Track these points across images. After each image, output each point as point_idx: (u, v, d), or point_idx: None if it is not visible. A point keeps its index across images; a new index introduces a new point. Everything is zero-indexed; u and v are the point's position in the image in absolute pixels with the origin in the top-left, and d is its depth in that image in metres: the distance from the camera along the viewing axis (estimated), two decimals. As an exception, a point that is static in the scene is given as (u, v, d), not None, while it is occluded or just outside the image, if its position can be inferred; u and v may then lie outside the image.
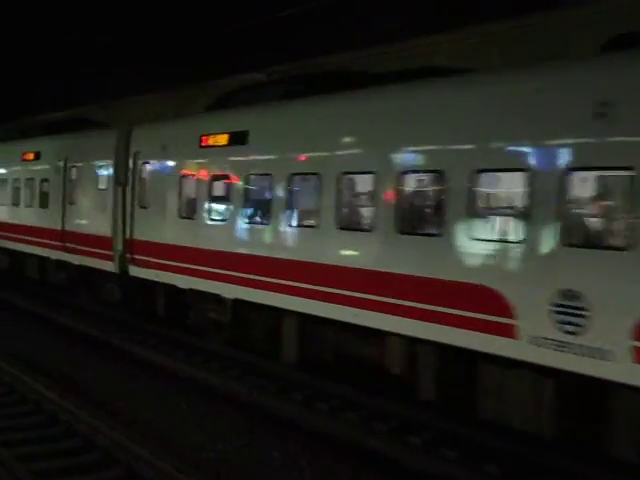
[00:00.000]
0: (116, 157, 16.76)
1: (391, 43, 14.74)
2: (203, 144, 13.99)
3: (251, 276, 12.50)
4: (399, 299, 9.87)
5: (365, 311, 10.37)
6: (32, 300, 20.29)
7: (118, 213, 16.63)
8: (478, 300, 8.91)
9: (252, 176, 12.78)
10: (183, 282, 14.35)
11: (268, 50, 17.71)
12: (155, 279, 15.35)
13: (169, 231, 14.95)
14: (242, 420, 10.57)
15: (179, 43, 19.62)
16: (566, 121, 8.18)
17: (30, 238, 20.97)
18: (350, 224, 10.95)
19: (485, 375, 9.22)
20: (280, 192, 11.98)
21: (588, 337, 7.77)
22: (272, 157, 12.40)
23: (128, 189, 16.33)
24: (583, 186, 8.19)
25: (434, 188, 9.79)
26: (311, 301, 11.27)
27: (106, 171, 17.28)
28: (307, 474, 8.79)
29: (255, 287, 12.41)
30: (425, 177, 10.03)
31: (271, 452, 9.37)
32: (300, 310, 11.60)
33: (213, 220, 13.67)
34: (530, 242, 8.42)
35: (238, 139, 13.06)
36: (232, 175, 13.14)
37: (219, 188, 13.69)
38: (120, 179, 16.55)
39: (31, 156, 21.51)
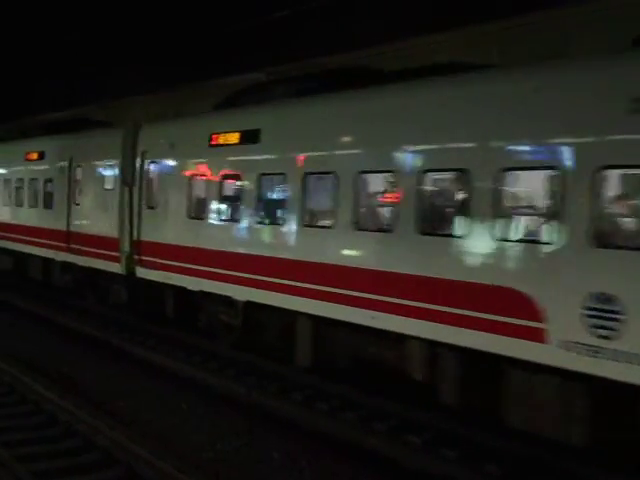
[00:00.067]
0: (123, 156, 16.52)
1: (391, 43, 14.72)
2: (213, 143, 13.73)
3: (263, 278, 12.24)
4: (420, 302, 9.60)
5: (384, 314, 10.09)
6: (31, 300, 20.24)
7: (125, 214, 16.41)
8: (505, 303, 8.60)
9: (264, 175, 12.48)
10: (193, 284, 14.11)
11: (268, 50, 17.70)
12: (163, 281, 15.08)
13: (178, 232, 14.68)
14: (241, 420, 10.56)
15: (179, 43, 19.63)
16: (598, 118, 7.89)
17: (34, 239, 20.74)
18: (368, 225, 10.67)
19: (511, 381, 8.87)
20: (294, 192, 11.69)
21: (623, 342, 7.49)
22: (285, 156, 12.10)
23: (135, 189, 16.11)
24: (616, 184, 7.96)
25: (457, 187, 9.49)
26: (326, 303, 10.99)
27: (112, 171, 17.04)
28: (307, 474, 8.78)
29: (268, 289, 12.15)
30: (448, 176, 9.75)
31: (271, 452, 9.36)
32: (315, 313, 11.32)
33: (224, 220, 13.42)
34: (561, 243, 8.12)
35: (249, 138, 12.81)
36: (243, 174, 12.88)
37: (230, 188, 13.46)
38: (127, 179, 16.33)
39: (35, 156, 21.27)
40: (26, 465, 8.31)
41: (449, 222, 9.48)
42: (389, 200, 10.34)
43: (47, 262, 20.27)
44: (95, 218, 17.80)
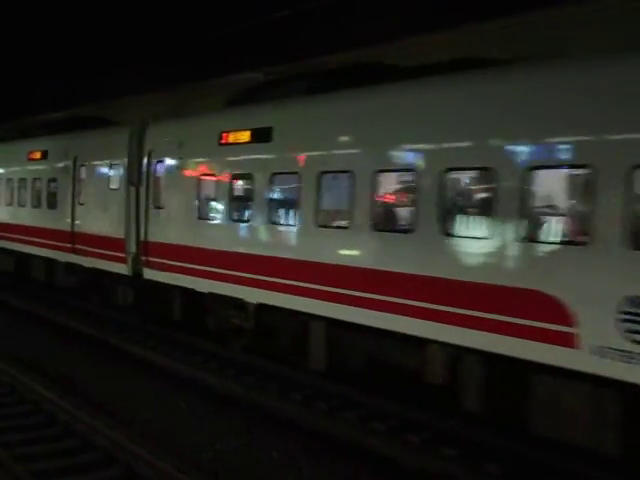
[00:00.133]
0: (129, 156, 16.30)
1: (390, 42, 14.71)
2: (223, 141, 13.45)
3: (276, 280, 11.97)
4: (442, 305, 9.31)
5: (404, 317, 9.81)
6: (30, 301, 20.22)
7: (131, 214, 16.16)
8: (533, 307, 8.31)
9: (277, 175, 12.20)
10: (202, 285, 13.81)
11: (266, 50, 17.69)
12: (171, 282, 14.77)
13: (187, 232, 14.37)
14: (241, 420, 10.56)
15: (179, 43, 19.62)
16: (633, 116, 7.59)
17: (37, 240, 20.47)
18: (386, 225, 10.39)
19: (538, 387, 8.54)
20: (308, 191, 11.40)
21: None
22: (299, 154, 11.80)
23: (142, 189, 15.82)
24: None
25: (482, 187, 9.22)
26: (342, 306, 10.72)
27: (118, 170, 16.78)
28: (306, 474, 8.77)
29: (281, 291, 11.87)
30: (472, 175, 9.49)
31: (270, 452, 9.36)
32: (330, 316, 11.05)
33: (234, 221, 13.17)
34: (594, 245, 7.80)
35: (261, 136, 12.53)
36: (255, 174, 12.61)
37: (241, 187, 13.23)
38: (133, 179, 16.06)
39: (38, 155, 21.00)
40: (25, 465, 8.30)
41: (473, 223, 9.21)
42: (409, 200, 10.10)
43: (50, 263, 20.02)
44: (100, 218, 17.50)
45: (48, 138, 21.07)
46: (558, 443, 8.55)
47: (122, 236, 16.39)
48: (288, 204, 12.09)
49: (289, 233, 11.93)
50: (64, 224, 18.95)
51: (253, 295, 12.57)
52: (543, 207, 8.60)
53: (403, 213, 10.37)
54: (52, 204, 19.91)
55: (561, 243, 8.29)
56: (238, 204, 13.18)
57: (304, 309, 11.47)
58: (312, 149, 11.59)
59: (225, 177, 13.35)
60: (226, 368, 13.02)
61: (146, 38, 20.14)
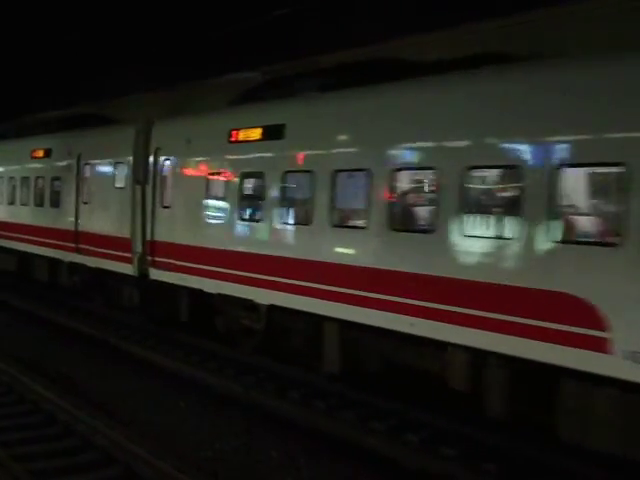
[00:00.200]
0: (135, 154, 16.07)
1: (387, 41, 14.69)
2: (233, 139, 13.18)
3: (289, 281, 11.68)
4: (465, 308, 9.02)
5: (424, 320, 9.53)
6: (31, 300, 20.19)
7: (137, 213, 15.91)
8: (562, 310, 8.04)
9: (289, 173, 11.93)
10: (211, 286, 13.53)
11: (266, 49, 17.69)
12: (179, 283, 14.49)
13: (195, 232, 14.10)
14: (240, 419, 10.56)
15: (179, 43, 19.62)
16: None
17: (40, 239, 20.22)
18: (405, 225, 10.11)
19: (566, 393, 8.31)
20: (322, 190, 11.13)
21: None
22: (313, 152, 11.55)
23: (148, 188, 15.54)
24: None
25: (507, 185, 8.98)
26: (358, 308, 10.45)
27: (124, 169, 16.54)
28: (305, 473, 8.77)
29: (293, 292, 11.59)
30: (497, 173, 9.19)
31: (269, 451, 9.36)
32: (345, 318, 10.79)
33: (245, 220, 12.93)
34: (626, 246, 7.51)
35: (273, 133, 12.24)
36: (266, 172, 12.32)
37: (251, 186, 12.99)
38: (139, 177, 15.80)
39: (41, 153, 20.77)
40: (24, 464, 8.30)
41: (499, 223, 8.93)
42: (429, 199, 9.84)
43: (53, 263, 19.81)
44: (105, 217, 17.27)
45: (51, 136, 20.77)
46: (558, 443, 8.56)
47: (128, 236, 16.17)
48: (301, 203, 11.89)
49: (302, 233, 11.67)
50: (68, 223, 18.75)
51: (264, 296, 12.32)
52: (573, 207, 8.35)
53: (423, 213, 10.10)
54: (55, 203, 19.68)
55: (591, 244, 8.01)
56: (249, 203, 12.95)
57: (318, 311, 11.22)
58: (327, 147, 11.33)
59: (235, 175, 13.09)
60: (225, 368, 13.01)
61: (146, 38, 20.13)
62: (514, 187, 8.73)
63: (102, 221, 17.39)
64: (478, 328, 8.89)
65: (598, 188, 8.35)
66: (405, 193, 10.43)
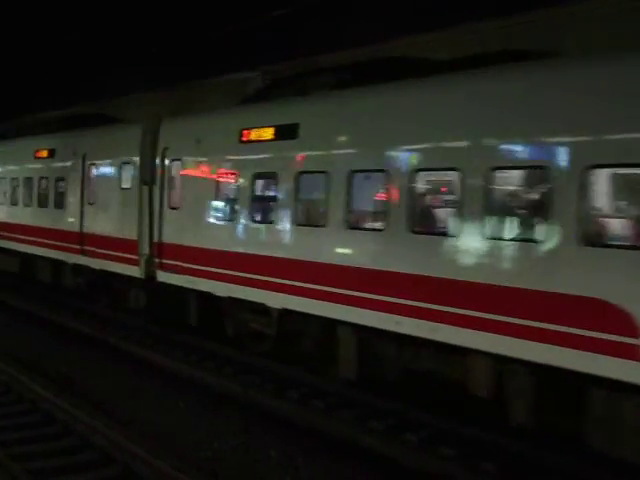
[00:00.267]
0: (142, 154, 15.77)
1: (387, 41, 14.70)
2: (244, 139, 12.87)
3: (302, 284, 11.38)
4: (489, 313, 8.72)
5: (445, 326, 9.22)
6: (30, 300, 20.17)
7: (144, 214, 15.58)
8: (593, 316, 7.75)
9: (303, 174, 11.59)
10: (221, 289, 13.23)
11: (266, 49, 17.70)
12: (187, 286, 14.18)
13: (204, 234, 13.79)
14: (238, 419, 10.54)
15: (179, 43, 19.63)
16: None
17: (43, 240, 19.91)
18: (426, 227, 9.81)
19: (595, 401, 8.05)
20: (338, 191, 10.82)
21: None
22: (328, 153, 11.24)
23: (155, 188, 15.24)
24: None
25: (534, 187, 8.62)
26: (374, 313, 10.17)
27: (130, 169, 16.23)
28: (303, 473, 8.76)
29: (307, 296, 11.27)
30: (522, 174, 8.86)
31: (268, 450, 9.34)
32: (361, 323, 10.50)
33: (257, 222, 12.61)
34: None
35: (286, 133, 11.92)
36: (279, 173, 12.02)
37: (263, 187, 12.72)
38: (146, 178, 15.49)
39: (45, 153, 20.45)
40: (22, 464, 8.30)
41: (524, 225, 8.65)
42: (451, 201, 9.49)
43: (57, 264, 19.50)
44: (111, 219, 16.97)
45: (55, 136, 20.46)
46: (557, 443, 8.56)
47: (134, 237, 15.87)
48: (316, 205, 11.61)
49: (317, 235, 11.35)
50: (72, 224, 18.47)
51: (277, 300, 12.03)
52: (603, 209, 8.08)
53: (445, 215, 9.74)
54: (60, 204, 19.37)
55: (625, 248, 7.67)
56: (261, 204, 12.68)
57: (333, 315, 10.93)
58: (343, 147, 11.05)
59: (246, 176, 12.79)
60: (224, 367, 13.01)
61: (146, 38, 20.14)
62: (540, 189, 8.46)
63: (108, 222, 17.09)
64: (504, 334, 8.57)
65: (630, 190, 8.02)
66: (426, 195, 10.16)
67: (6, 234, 22.57)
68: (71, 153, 18.83)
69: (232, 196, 13.31)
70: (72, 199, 18.69)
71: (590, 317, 7.79)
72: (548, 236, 8.24)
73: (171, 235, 14.83)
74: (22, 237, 21.31)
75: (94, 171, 17.84)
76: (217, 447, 9.50)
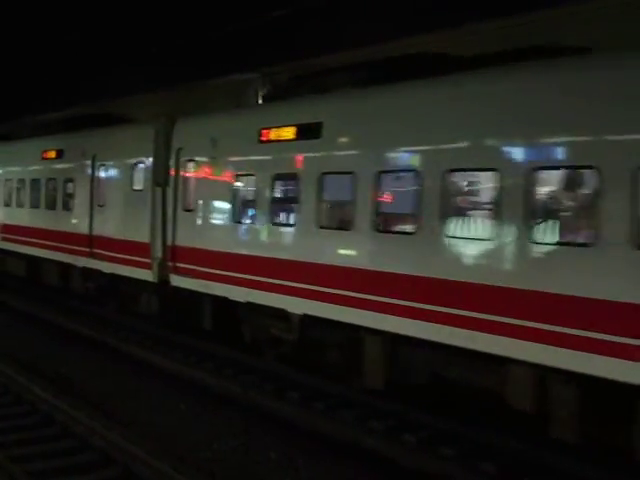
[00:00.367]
0: (155, 154, 15.32)
1: (387, 42, 14.68)
2: (263, 138, 12.45)
3: (326, 289, 10.90)
4: (529, 321, 8.25)
5: (481, 333, 8.77)
6: (28, 301, 20.17)
7: (157, 217, 15.15)
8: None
9: (327, 174, 11.12)
10: (238, 294, 12.79)
11: (266, 49, 17.68)
12: (202, 290, 13.77)
13: (221, 237, 13.41)
14: (238, 420, 10.54)
15: (179, 43, 19.63)
16: None
17: (51, 243, 19.49)
18: (461, 230, 9.27)
19: None
20: (365, 193, 10.39)
21: None
22: (355, 152, 10.84)
23: (169, 190, 14.85)
24: None
25: (581, 188, 8.22)
26: (404, 320, 9.70)
27: (142, 170, 15.81)
28: (303, 473, 8.76)
29: (331, 302, 10.80)
30: (568, 174, 8.35)
31: (268, 452, 9.35)
32: (390, 330, 10.01)
33: (277, 225, 12.19)
34: None
35: (309, 132, 11.48)
36: (301, 174, 11.58)
37: (284, 188, 12.33)
38: (159, 179, 15.08)
39: (53, 154, 20.10)
40: (21, 465, 8.29)
41: (567, 227, 8.28)
42: (488, 203, 9.07)
43: (64, 267, 19.09)
44: (122, 221, 16.56)
45: (64, 136, 20.08)
46: (556, 443, 8.55)
47: (147, 240, 15.46)
48: (341, 207, 11.23)
49: (342, 239, 10.92)
50: (81, 227, 18.07)
51: (298, 305, 11.58)
52: None
53: (483, 218, 9.23)
54: (68, 206, 19.02)
55: None
56: (281, 206, 12.32)
57: (359, 322, 10.45)
58: (370, 146, 10.59)
59: (265, 177, 12.34)
60: (224, 368, 13.00)
61: (146, 38, 20.14)
62: (587, 191, 8.10)
63: (118, 225, 16.70)
64: (545, 343, 8.12)
65: None
66: (460, 197, 9.73)
67: (12, 237, 22.20)
68: (80, 154, 18.44)
69: (250, 198, 12.92)
70: (81, 201, 18.31)
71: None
72: (598, 238, 7.79)
73: (185, 238, 14.43)
74: (29, 240, 20.94)
75: (104, 172, 17.49)
76: (217, 448, 9.50)
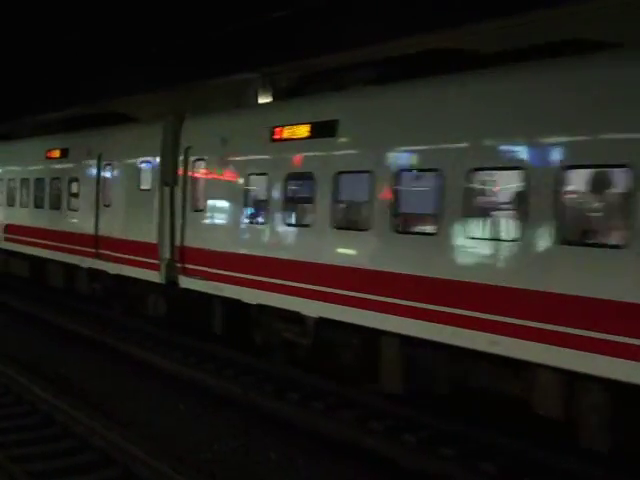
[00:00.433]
0: (163, 153, 14.99)
1: (387, 42, 14.69)
2: (276, 137, 12.17)
3: (342, 292, 10.62)
4: (559, 325, 7.92)
5: (509, 338, 8.39)
6: (28, 301, 20.14)
7: (165, 217, 14.86)
8: None
9: (342, 174, 10.85)
10: (250, 296, 12.50)
11: (266, 50, 17.69)
12: (213, 292, 13.46)
13: (232, 238, 13.12)
14: (238, 420, 10.54)
15: (179, 43, 19.63)
16: None
17: (55, 244, 19.19)
18: (485, 232, 8.96)
19: None
20: (383, 193, 10.10)
21: None
22: (372, 151, 10.47)
23: (177, 190, 14.54)
24: None
25: (616, 187, 7.82)
26: (424, 323, 9.39)
27: (150, 169, 15.48)
28: (304, 474, 8.76)
29: (348, 304, 10.52)
30: (598, 172, 8.00)
31: (268, 452, 9.34)
32: (409, 334, 9.70)
33: (291, 225, 11.94)
34: None
35: (323, 130, 11.20)
36: (315, 173, 11.28)
37: (298, 188, 12.02)
38: (167, 178, 14.77)
39: (57, 153, 19.81)
40: (22, 465, 8.28)
41: (602, 227, 8.02)
42: (515, 203, 8.71)
43: (69, 268, 18.81)
44: (129, 221, 16.26)
45: (69, 135, 19.77)
46: (556, 442, 8.55)
47: (154, 241, 15.16)
48: (357, 207, 10.95)
49: (358, 240, 10.67)
50: (86, 227, 17.75)
51: (313, 308, 11.27)
52: None
53: (507, 219, 8.89)
54: (73, 206, 18.77)
55: None
56: (295, 206, 12.04)
57: (377, 325, 10.15)
58: (388, 145, 10.28)
59: (278, 177, 12.04)
60: (224, 369, 13.00)
61: (146, 38, 20.14)
62: (621, 190, 7.74)
63: (125, 225, 16.39)
64: (575, 348, 7.81)
65: None
66: (484, 197, 9.35)
67: (16, 237, 21.94)
68: (85, 153, 18.12)
69: (262, 197, 12.62)
70: (87, 200, 18.00)
71: None
72: (632, 240, 7.42)
73: (194, 238, 14.16)
74: (33, 240, 20.66)
75: (110, 171, 17.19)
76: (217, 449, 9.49)
